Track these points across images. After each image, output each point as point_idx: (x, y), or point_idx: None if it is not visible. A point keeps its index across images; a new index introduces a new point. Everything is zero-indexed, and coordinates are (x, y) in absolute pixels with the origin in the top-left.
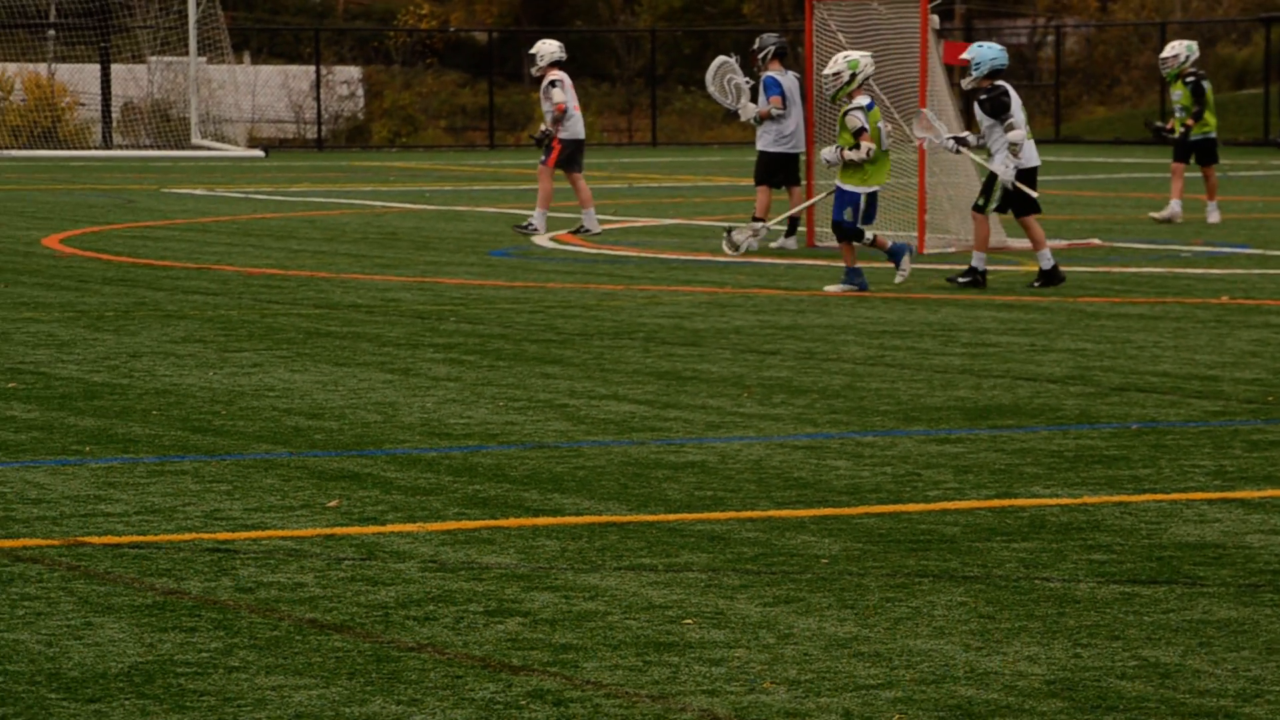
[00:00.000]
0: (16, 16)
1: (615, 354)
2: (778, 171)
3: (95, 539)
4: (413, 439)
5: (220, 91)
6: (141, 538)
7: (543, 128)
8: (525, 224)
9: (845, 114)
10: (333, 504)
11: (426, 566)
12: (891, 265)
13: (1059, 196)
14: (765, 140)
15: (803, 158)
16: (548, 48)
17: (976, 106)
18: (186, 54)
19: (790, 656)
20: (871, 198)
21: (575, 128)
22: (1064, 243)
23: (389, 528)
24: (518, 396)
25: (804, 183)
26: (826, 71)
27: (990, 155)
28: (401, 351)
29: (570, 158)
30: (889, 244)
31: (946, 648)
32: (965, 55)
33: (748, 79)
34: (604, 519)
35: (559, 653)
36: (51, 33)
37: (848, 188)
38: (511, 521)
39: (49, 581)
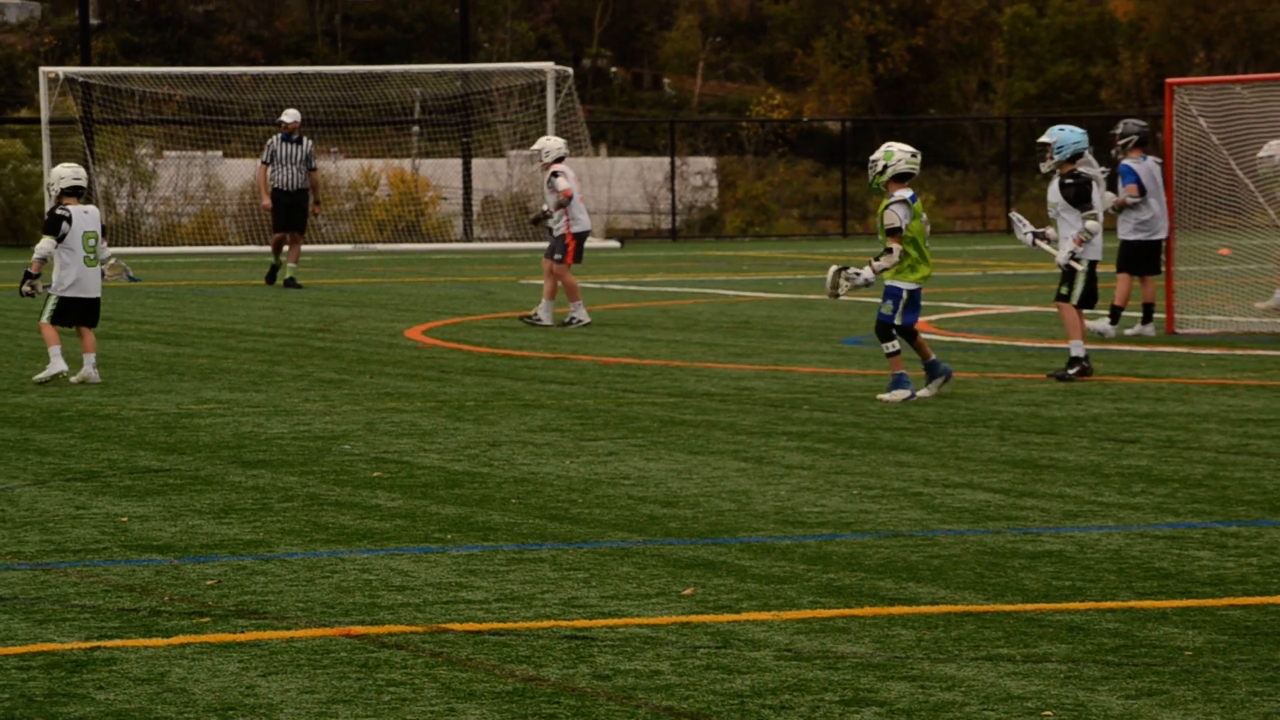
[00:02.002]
0: (383, 114)
1: (970, 442)
2: (1139, 259)
3: (457, 625)
4: (767, 527)
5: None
6: (501, 625)
7: (544, 208)
8: (568, 319)
9: (885, 208)
10: (688, 592)
11: (782, 655)
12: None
13: None
14: (1125, 228)
15: (1164, 244)
16: (553, 144)
17: (1056, 189)
18: None
19: None
20: (914, 294)
21: (583, 219)
22: None
23: (744, 616)
24: (871, 485)
25: (1163, 270)
26: (872, 156)
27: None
28: (755, 440)
29: (579, 250)
30: (931, 358)
31: None
32: (1045, 139)
33: (1103, 169)
34: (960, 608)
35: None
36: (416, 129)
37: (891, 282)
38: (866, 610)
39: (413, 668)
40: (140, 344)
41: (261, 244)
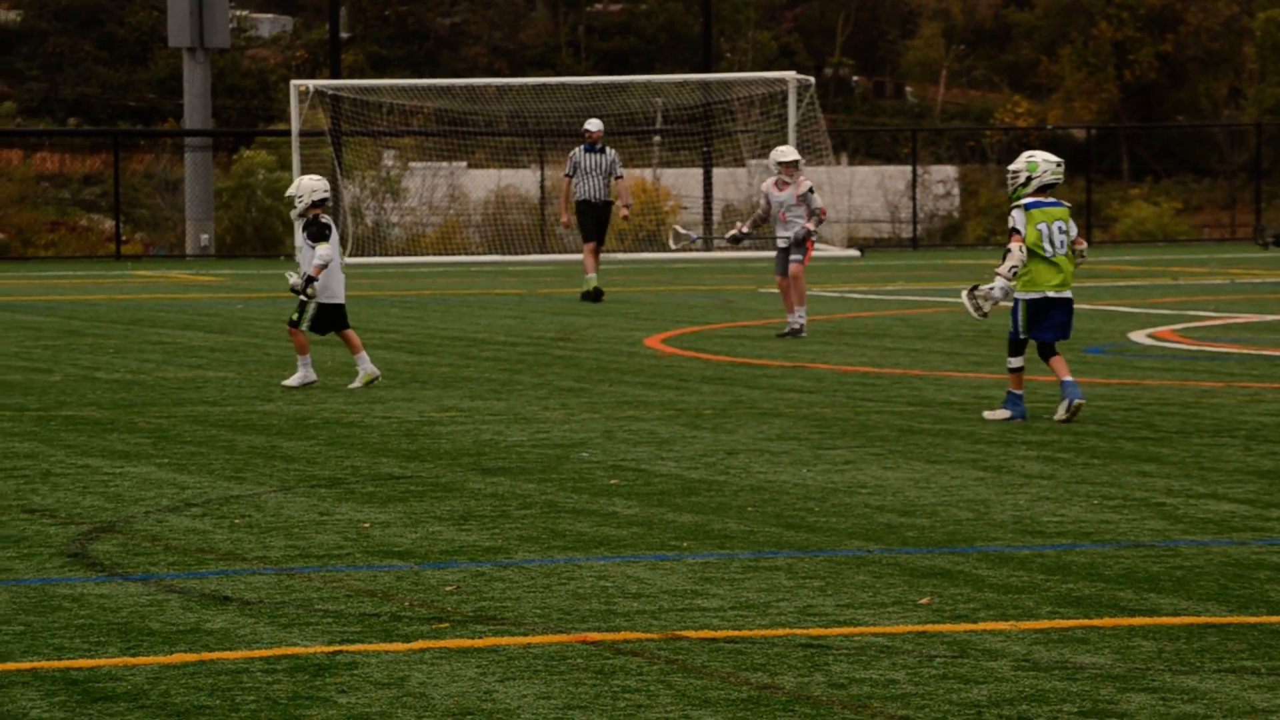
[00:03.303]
0: (625, 124)
1: (1215, 452)
2: None
3: (692, 633)
4: (1005, 536)
5: (818, 192)
6: (736, 632)
7: (803, 227)
8: (795, 328)
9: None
10: (924, 601)
11: (1020, 665)
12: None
13: None
14: None
15: None
16: (796, 154)
17: None
18: None
19: None
20: (1039, 305)
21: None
22: None
23: (981, 625)
24: (1112, 494)
25: None
26: (1010, 166)
27: None
28: (994, 449)
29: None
30: (1018, 394)
31: None
32: None
33: None
34: (1203, 620)
35: None
36: (657, 139)
37: (1016, 294)
38: (1106, 621)
39: (648, 674)
40: (384, 353)
41: (504, 253)
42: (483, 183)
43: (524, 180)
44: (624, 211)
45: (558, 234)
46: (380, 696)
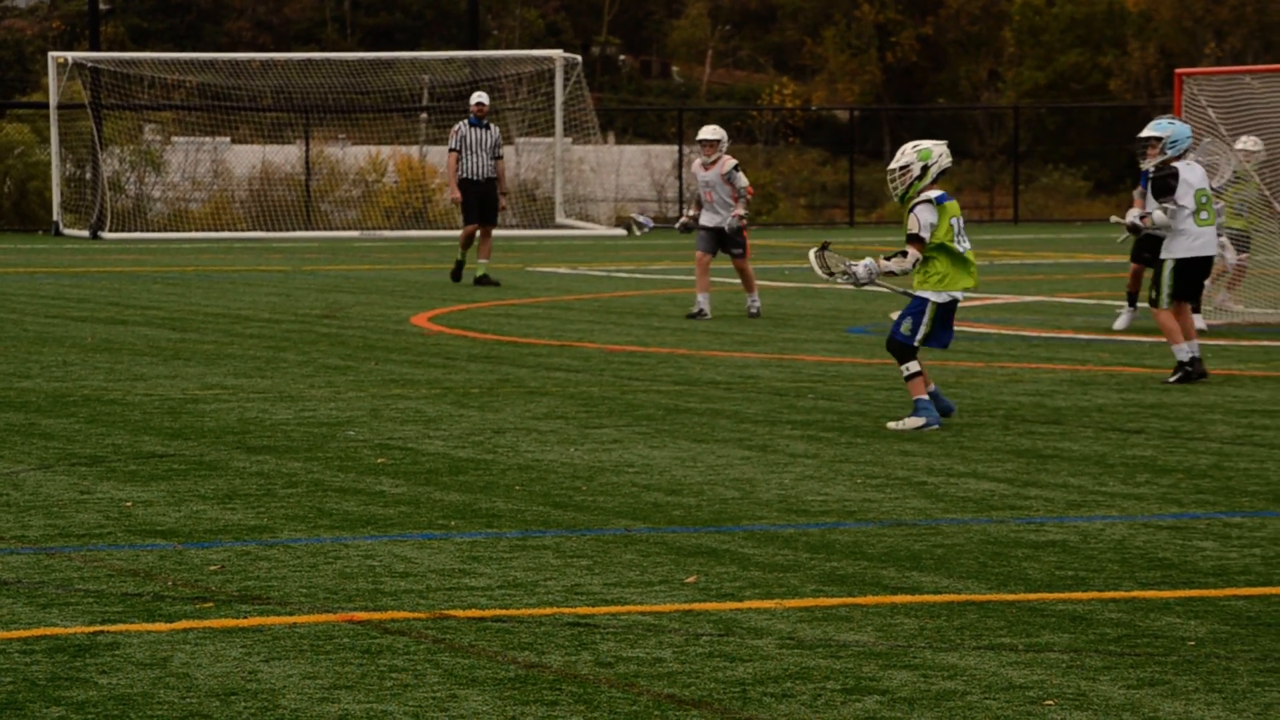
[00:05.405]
0: (391, 101)
1: (974, 431)
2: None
3: (460, 612)
4: (770, 515)
5: (585, 171)
6: (504, 611)
7: (689, 213)
8: (751, 311)
9: (911, 210)
10: (691, 580)
11: (784, 643)
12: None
13: None
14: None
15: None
16: (724, 132)
17: (1149, 185)
18: (553, 135)
19: None
20: (947, 308)
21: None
22: None
23: (747, 604)
24: (875, 474)
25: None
26: (893, 165)
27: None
28: (759, 428)
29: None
30: (931, 388)
31: None
32: (1155, 133)
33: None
34: (963, 597)
35: None
36: (424, 116)
37: (917, 292)
38: (869, 599)
39: (415, 654)
40: (146, 329)
41: (269, 230)
42: (247, 158)
43: (289, 156)
44: (502, 202)
45: (322, 210)
46: (142, 677)
